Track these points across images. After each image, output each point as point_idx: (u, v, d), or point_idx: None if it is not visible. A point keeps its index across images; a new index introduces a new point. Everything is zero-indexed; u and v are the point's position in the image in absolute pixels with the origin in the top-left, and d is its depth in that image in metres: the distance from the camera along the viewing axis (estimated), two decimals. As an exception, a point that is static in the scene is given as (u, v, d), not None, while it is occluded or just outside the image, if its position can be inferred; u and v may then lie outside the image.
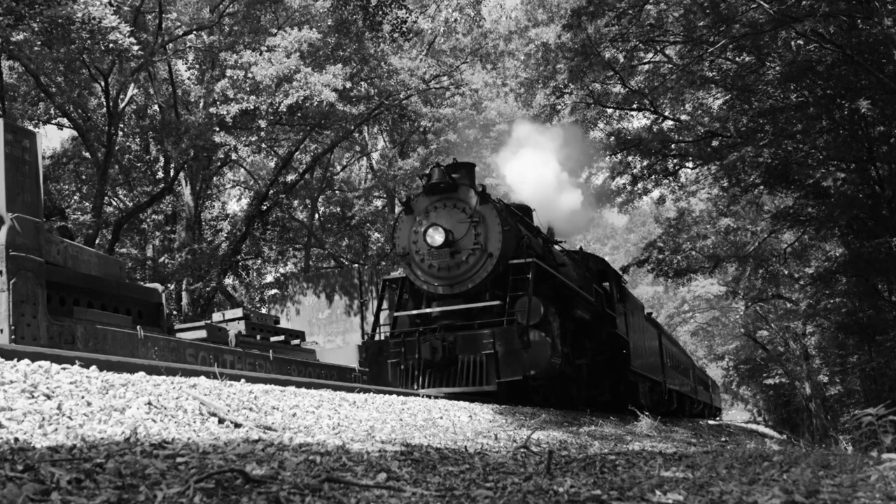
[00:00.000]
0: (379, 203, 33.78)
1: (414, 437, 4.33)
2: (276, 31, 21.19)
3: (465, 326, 9.99)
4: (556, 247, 13.74)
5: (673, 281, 26.97)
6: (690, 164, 23.09)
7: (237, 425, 3.70)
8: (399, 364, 9.96)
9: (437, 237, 10.24)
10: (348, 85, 19.30)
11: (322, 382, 6.21)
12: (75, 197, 26.46)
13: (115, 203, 27.88)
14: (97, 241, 21.83)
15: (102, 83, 21.39)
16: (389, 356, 10.08)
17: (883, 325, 20.59)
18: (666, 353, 21.55)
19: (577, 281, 12.96)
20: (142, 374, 4.30)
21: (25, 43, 15.49)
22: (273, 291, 31.73)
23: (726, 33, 16.10)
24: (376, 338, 10.88)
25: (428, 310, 10.60)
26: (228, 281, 29.01)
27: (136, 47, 15.33)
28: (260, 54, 19.45)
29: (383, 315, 11.61)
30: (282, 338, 14.06)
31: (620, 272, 18.86)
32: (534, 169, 15.09)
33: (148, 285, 11.28)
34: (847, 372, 29.55)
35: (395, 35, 18.28)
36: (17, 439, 2.55)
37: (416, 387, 9.56)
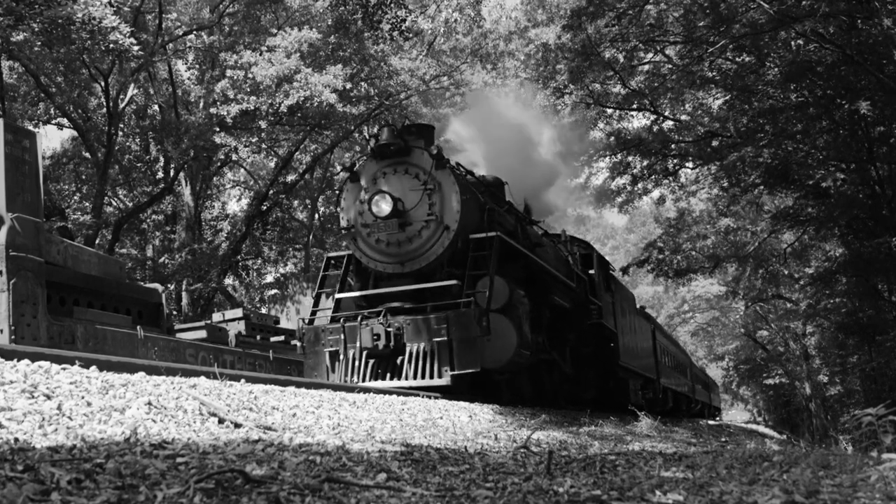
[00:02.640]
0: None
1: (414, 438, 4.33)
2: (276, 31, 21.20)
3: (417, 310, 8.66)
4: (537, 229, 12.50)
5: (673, 281, 26.96)
6: (690, 164, 23.09)
7: (237, 425, 3.70)
8: (339, 353, 8.63)
9: (383, 206, 8.86)
10: (348, 85, 19.30)
11: (322, 382, 6.21)
12: (75, 197, 26.45)
13: (115, 203, 27.87)
14: (97, 241, 21.82)
15: (102, 83, 21.39)
16: (328, 344, 8.71)
17: (883, 325, 20.58)
18: (660, 349, 20.92)
19: (555, 264, 11.67)
20: (142, 374, 4.30)
21: (25, 43, 15.49)
22: (273, 291, 31.76)
23: (726, 33, 16.09)
24: (316, 323, 9.41)
25: (377, 290, 9.28)
26: (228, 281, 29.00)
27: (136, 47, 15.33)
28: (260, 54, 19.45)
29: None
30: (282, 338, 14.07)
31: (611, 263, 17.38)
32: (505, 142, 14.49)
33: (148, 285, 11.29)
34: (847, 372, 29.53)
35: (395, 34, 18.28)
36: (17, 439, 2.55)
37: (355, 380, 8.33)
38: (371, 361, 8.51)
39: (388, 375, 8.36)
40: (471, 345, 8.07)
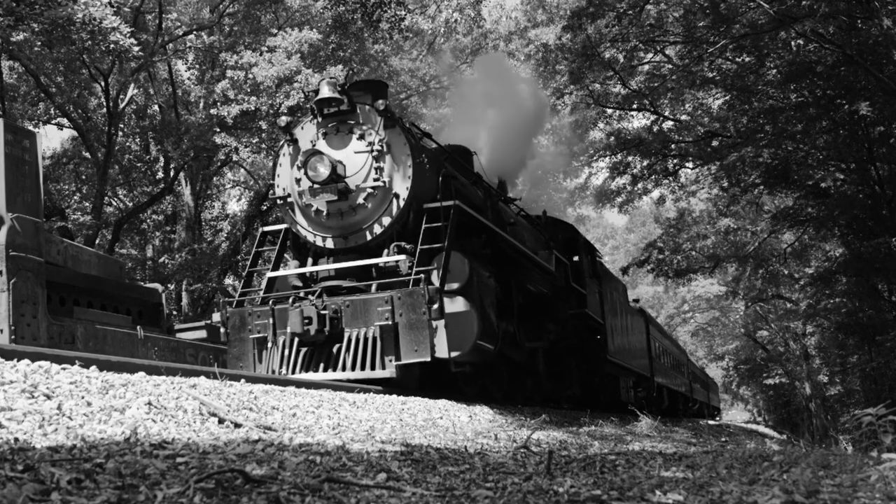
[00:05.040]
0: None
1: (414, 437, 4.33)
2: (276, 31, 21.21)
3: (358, 291, 7.60)
4: (513, 207, 11.40)
5: (673, 281, 26.97)
6: (690, 164, 23.10)
7: (237, 425, 3.70)
8: (267, 341, 7.52)
9: (321, 169, 7.64)
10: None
11: (322, 382, 6.21)
12: (75, 197, 26.44)
13: (115, 203, 27.88)
14: (97, 241, 21.83)
15: (102, 83, 21.41)
16: (254, 330, 7.58)
17: (883, 325, 20.58)
18: (655, 345, 20.16)
19: (532, 246, 10.55)
20: (142, 374, 4.30)
21: (25, 43, 15.48)
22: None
23: (726, 33, 16.10)
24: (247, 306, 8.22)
25: (311, 268, 8.16)
26: (228, 281, 29.00)
27: (136, 48, 15.34)
28: (260, 55, 19.46)
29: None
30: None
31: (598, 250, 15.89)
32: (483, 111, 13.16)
33: (148, 285, 11.29)
34: (847, 372, 29.55)
35: (393, 33, 18.30)
36: (17, 439, 2.55)
37: (284, 371, 7.28)
38: (304, 350, 7.40)
39: (323, 366, 7.29)
40: (419, 330, 6.92)
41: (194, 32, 22.99)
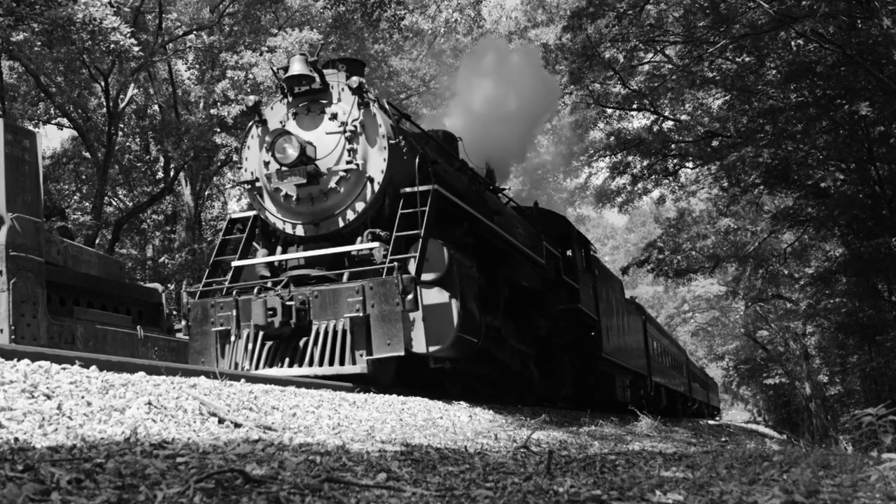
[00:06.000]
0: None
1: (414, 437, 4.33)
2: (276, 31, 21.21)
3: (328, 280, 7.10)
4: (501, 197, 10.96)
5: (673, 281, 26.99)
6: (690, 164, 23.11)
7: (237, 425, 3.70)
8: (230, 334, 7.03)
9: (288, 150, 7.16)
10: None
11: (322, 382, 6.21)
12: (75, 197, 26.45)
13: (115, 203, 27.89)
14: (97, 241, 21.83)
15: (102, 83, 21.42)
16: (217, 322, 7.09)
17: (883, 325, 20.59)
18: (653, 343, 19.87)
19: (522, 239, 10.06)
20: (142, 374, 4.30)
21: (25, 43, 15.49)
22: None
23: (726, 33, 16.11)
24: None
25: (280, 256, 7.68)
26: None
27: (136, 48, 15.34)
28: (260, 55, 19.46)
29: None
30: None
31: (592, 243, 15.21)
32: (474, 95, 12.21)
33: (148, 285, 11.29)
34: (847, 372, 29.55)
35: (393, 32, 18.31)
36: (17, 439, 2.55)
37: (248, 367, 6.81)
38: (269, 343, 6.91)
39: (289, 361, 6.79)
40: (392, 322, 6.44)
41: (194, 32, 23.00)
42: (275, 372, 6.55)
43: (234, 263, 7.85)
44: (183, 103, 24.31)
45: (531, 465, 3.28)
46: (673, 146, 22.15)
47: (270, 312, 6.72)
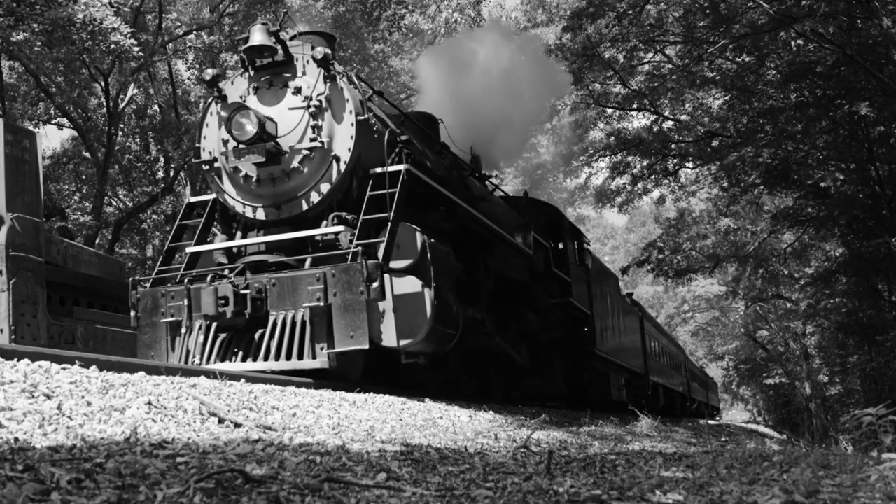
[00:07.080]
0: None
1: (414, 437, 4.33)
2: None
3: (288, 267, 6.51)
4: (487, 184, 10.38)
5: (673, 281, 27.00)
6: (690, 164, 23.13)
7: (237, 425, 3.70)
8: (181, 325, 6.48)
9: (246, 126, 6.56)
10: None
11: (322, 382, 6.20)
12: (75, 197, 26.45)
13: (115, 203, 27.89)
14: (97, 241, 21.83)
15: (102, 83, 21.42)
16: (167, 313, 6.52)
17: (883, 325, 20.60)
18: (650, 341, 19.61)
19: (508, 228, 9.51)
20: (142, 374, 4.30)
21: (25, 43, 15.50)
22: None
23: (726, 34, 16.12)
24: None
25: (239, 242, 7.08)
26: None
27: (136, 48, 15.34)
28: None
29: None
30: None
31: (585, 235, 14.47)
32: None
33: (148, 285, 11.26)
34: (847, 372, 29.56)
35: (393, 31, 18.33)
36: (17, 439, 2.55)
37: (198, 361, 6.30)
38: (223, 336, 6.39)
39: (243, 355, 6.29)
40: (356, 313, 5.91)
41: (194, 32, 23.00)
42: (227, 367, 6.02)
43: (189, 249, 7.27)
44: (183, 103, 24.31)
45: (531, 465, 3.28)
46: (673, 146, 22.16)
47: (222, 302, 6.17)
